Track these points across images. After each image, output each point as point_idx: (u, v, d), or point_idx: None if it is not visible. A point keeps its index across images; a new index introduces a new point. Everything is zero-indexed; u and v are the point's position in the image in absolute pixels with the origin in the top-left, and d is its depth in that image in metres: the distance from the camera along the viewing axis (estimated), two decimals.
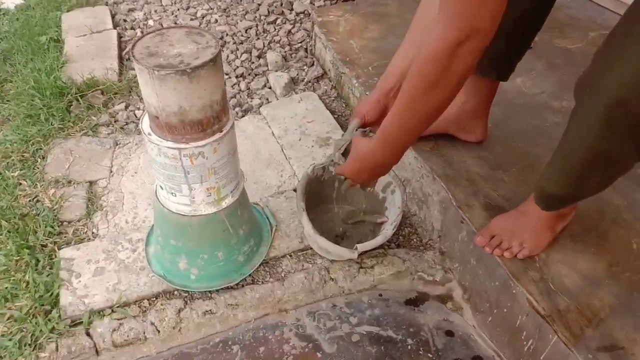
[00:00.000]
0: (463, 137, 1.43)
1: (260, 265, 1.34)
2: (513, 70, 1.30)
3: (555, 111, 1.56)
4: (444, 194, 1.32)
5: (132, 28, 2.34)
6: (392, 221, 1.31)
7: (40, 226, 1.42)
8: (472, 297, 1.27)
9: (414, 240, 1.45)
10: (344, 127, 1.77)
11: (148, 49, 0.96)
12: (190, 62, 0.93)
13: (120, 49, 2.18)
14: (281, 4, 2.45)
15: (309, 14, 2.34)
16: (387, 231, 1.29)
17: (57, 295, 1.26)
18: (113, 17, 2.39)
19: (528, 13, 1.16)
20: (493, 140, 1.44)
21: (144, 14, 2.43)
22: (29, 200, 1.51)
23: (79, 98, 1.86)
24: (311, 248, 1.38)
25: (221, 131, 1.06)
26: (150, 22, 2.37)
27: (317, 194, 1.40)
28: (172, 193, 1.14)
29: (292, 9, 2.42)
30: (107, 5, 2.49)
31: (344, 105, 1.89)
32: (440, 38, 0.80)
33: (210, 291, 1.29)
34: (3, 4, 2.53)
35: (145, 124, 1.07)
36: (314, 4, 2.44)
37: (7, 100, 1.88)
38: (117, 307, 1.24)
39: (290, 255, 1.38)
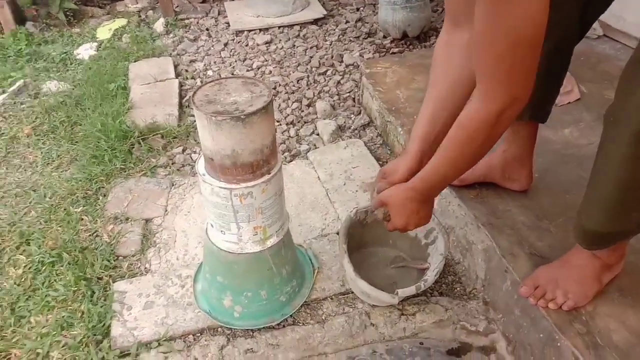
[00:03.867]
0: (507, 185, 1.43)
1: (301, 306, 1.37)
2: (549, 111, 1.29)
3: None
4: (488, 242, 1.32)
5: (193, 78, 2.51)
6: (434, 268, 1.31)
7: (97, 259, 1.51)
8: (517, 349, 1.23)
9: (458, 288, 1.44)
10: None
11: (207, 96, 1.05)
12: (245, 109, 1.00)
13: (181, 96, 2.34)
14: (332, 57, 2.57)
15: (358, 66, 2.44)
16: (428, 278, 1.29)
17: (109, 326, 1.33)
18: (175, 67, 2.57)
19: (551, 53, 1.15)
20: (539, 190, 1.43)
21: (204, 65, 2.61)
22: (89, 235, 1.62)
23: (140, 141, 2.00)
24: (352, 292, 1.40)
25: (269, 173, 1.12)
26: (210, 73, 2.54)
27: (360, 237, 1.42)
28: (221, 231, 1.20)
29: (342, 61, 2.54)
30: (170, 56, 2.69)
31: (389, 152, 1.93)
32: (483, 110, 0.89)
33: (252, 330, 1.31)
34: (79, 54, 2.78)
35: (201, 165, 1.15)
36: (363, 57, 2.54)
37: (76, 142, 2.04)
38: (164, 340, 1.29)
39: (332, 298, 1.40)
